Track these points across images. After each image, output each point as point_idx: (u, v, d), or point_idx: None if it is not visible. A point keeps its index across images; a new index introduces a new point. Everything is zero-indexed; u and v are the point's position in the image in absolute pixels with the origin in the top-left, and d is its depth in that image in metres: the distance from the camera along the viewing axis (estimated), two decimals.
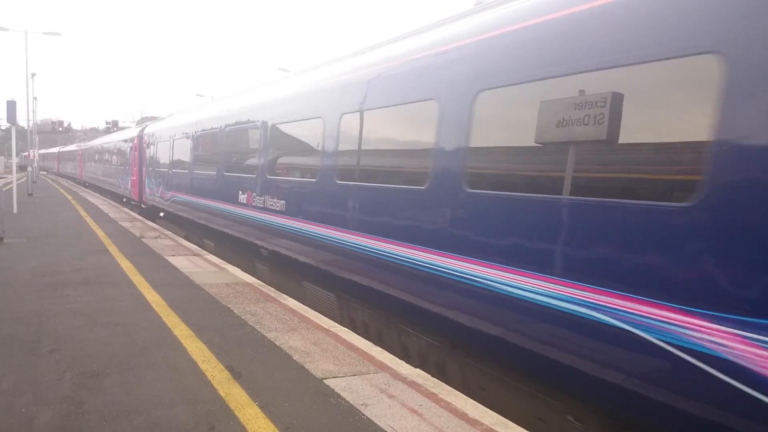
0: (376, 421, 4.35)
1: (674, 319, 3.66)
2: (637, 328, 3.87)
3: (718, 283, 3.48)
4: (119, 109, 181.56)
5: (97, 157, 38.15)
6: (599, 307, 4.12)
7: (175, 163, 16.80)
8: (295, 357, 5.75)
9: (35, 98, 45.96)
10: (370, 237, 6.92)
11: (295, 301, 8.28)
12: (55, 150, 77.49)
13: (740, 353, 3.33)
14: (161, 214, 19.33)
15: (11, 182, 24.59)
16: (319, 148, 8.25)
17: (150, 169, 20.42)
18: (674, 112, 3.98)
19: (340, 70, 8.37)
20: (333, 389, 4.94)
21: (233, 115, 12.21)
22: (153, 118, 26.81)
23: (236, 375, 5.21)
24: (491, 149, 5.50)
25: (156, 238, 14.76)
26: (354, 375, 5.30)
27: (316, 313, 7.73)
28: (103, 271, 9.94)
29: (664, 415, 3.81)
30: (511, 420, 4.59)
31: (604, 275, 4.12)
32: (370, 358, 5.80)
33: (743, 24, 3.45)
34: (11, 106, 19.02)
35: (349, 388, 4.97)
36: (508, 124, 5.35)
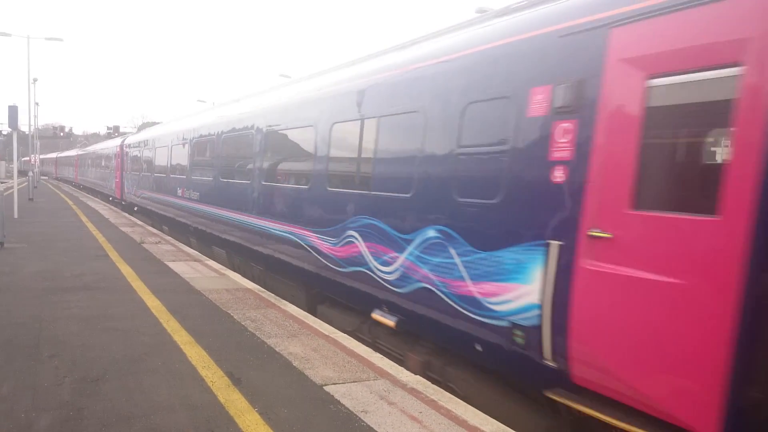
0: (375, 428, 4.34)
1: (306, 233, 8.48)
2: (300, 239, 8.69)
3: (319, 222, 8.22)
4: (121, 114, 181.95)
5: (89, 162, 43.67)
6: (296, 234, 8.87)
7: (142, 168, 22.13)
8: (295, 363, 5.75)
9: (37, 103, 46.14)
10: (235, 212, 11.71)
11: (295, 308, 8.28)
12: (53, 155, 79.84)
13: (316, 241, 8.13)
14: (135, 208, 24.39)
15: (12, 187, 24.62)
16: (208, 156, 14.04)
17: (127, 173, 25.82)
18: None
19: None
20: (333, 396, 4.94)
21: (169, 134, 18.30)
22: (154, 124, 27.16)
23: (236, 381, 5.20)
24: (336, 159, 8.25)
25: (156, 243, 14.76)
26: (354, 381, 5.30)
27: (316, 319, 7.73)
28: (104, 276, 9.94)
29: (313, 276, 8.49)
30: (510, 428, 4.58)
31: (293, 221, 8.99)
32: (370, 365, 5.79)
33: None
34: (13, 111, 19.04)
35: (349, 395, 4.96)
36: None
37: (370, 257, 6.94)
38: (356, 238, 7.22)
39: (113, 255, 12.41)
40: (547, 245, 4.63)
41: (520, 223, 4.94)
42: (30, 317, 7.12)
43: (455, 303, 5.58)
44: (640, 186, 4.12)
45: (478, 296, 5.30)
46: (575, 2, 4.87)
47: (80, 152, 52.07)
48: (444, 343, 6.25)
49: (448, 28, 6.84)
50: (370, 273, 6.93)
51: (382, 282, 6.70)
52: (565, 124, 4.63)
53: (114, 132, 56.50)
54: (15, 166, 23.73)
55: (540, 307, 4.66)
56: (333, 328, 7.23)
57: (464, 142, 5.63)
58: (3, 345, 6.02)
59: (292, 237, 8.92)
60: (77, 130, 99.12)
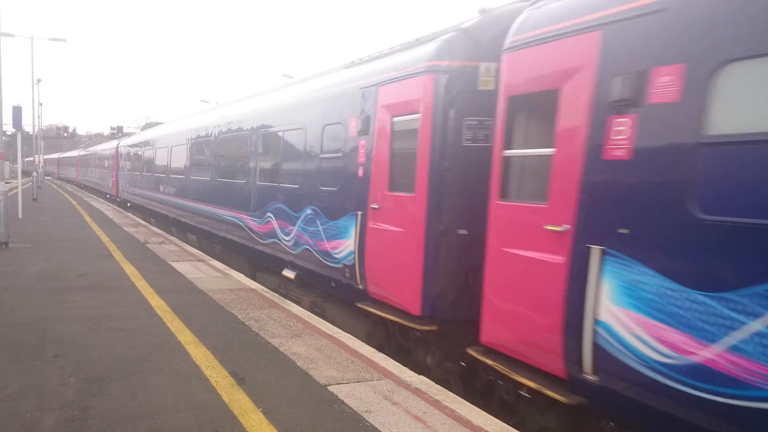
0: (379, 427, 4.35)
1: (245, 216, 11.23)
2: (242, 222, 11.43)
3: (252, 208, 11.13)
4: (124, 114, 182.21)
5: (88, 163, 47.78)
6: (239, 218, 11.58)
7: (134, 168, 25.30)
8: (299, 363, 5.76)
9: (41, 104, 46.23)
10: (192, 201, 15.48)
11: (299, 308, 8.30)
12: (55, 156, 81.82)
13: (250, 222, 11.04)
14: (128, 204, 27.35)
15: (16, 187, 24.68)
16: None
17: (121, 172, 29.05)
18: None
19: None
20: (337, 396, 4.95)
21: (153, 139, 21.76)
22: (157, 124, 27.47)
23: (240, 381, 5.21)
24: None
25: (160, 243, 14.79)
26: (358, 381, 5.30)
27: (320, 319, 7.74)
28: (108, 276, 9.97)
29: (250, 250, 11.30)
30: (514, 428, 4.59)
31: (238, 208, 11.74)
32: (374, 365, 5.80)
33: None
34: (17, 111, 19.10)
35: (353, 395, 4.97)
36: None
37: (279, 231, 9.86)
38: (272, 218, 10.20)
39: (117, 255, 12.44)
40: (356, 214, 7.55)
41: (346, 201, 7.86)
42: (35, 317, 7.15)
43: (320, 256, 8.45)
44: (391, 177, 7.02)
45: (330, 250, 8.20)
46: (367, 69, 7.94)
47: (81, 153, 55.37)
48: (319, 285, 9.07)
49: (319, 72, 10.28)
50: (279, 242, 9.85)
51: (286, 248, 9.60)
52: (362, 141, 7.60)
53: (117, 132, 56.56)
54: (19, 166, 23.80)
55: (353, 252, 7.58)
56: (337, 329, 7.25)
57: (324, 151, 8.58)
58: (8, 345, 6.04)
59: (237, 221, 11.85)
60: (81, 131, 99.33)
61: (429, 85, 6.45)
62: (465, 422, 4.49)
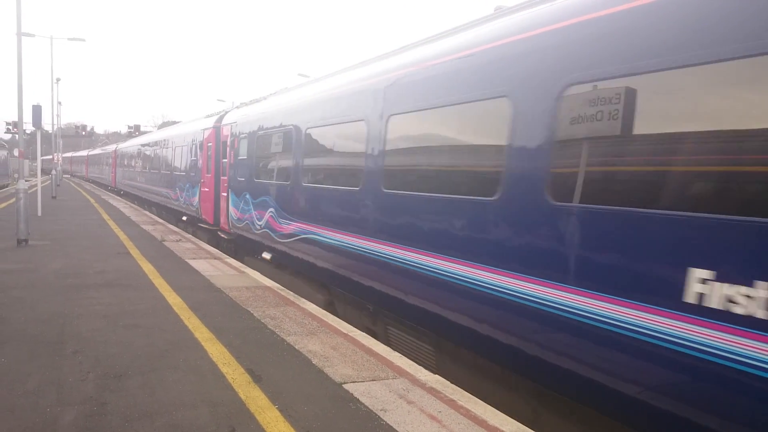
0: (395, 426, 4.35)
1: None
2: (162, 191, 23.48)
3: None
4: (141, 112, 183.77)
5: (94, 161, 61.35)
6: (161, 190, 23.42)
7: (125, 165, 37.51)
8: (314, 361, 5.78)
9: (60, 103, 46.76)
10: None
11: (314, 306, 8.32)
12: (68, 155, 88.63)
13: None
14: (121, 192, 40.01)
15: (36, 185, 25.01)
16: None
17: (117, 168, 42.83)
18: None
19: None
20: (352, 394, 4.95)
21: (134, 145, 35.11)
22: (174, 123, 28.01)
23: (256, 378, 5.24)
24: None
25: (177, 241, 14.91)
26: (373, 380, 5.31)
27: (335, 317, 7.75)
28: (125, 273, 10.07)
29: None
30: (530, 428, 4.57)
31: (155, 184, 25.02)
32: (389, 364, 5.80)
33: None
34: (37, 110, 19.33)
35: (368, 393, 4.98)
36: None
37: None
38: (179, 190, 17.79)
39: (135, 252, 12.56)
40: (199, 183, 17.42)
41: (195, 179, 18.00)
42: (54, 313, 7.24)
43: (189, 205, 18.36)
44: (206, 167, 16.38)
45: (191, 202, 18.27)
46: (194, 126, 18.34)
47: (89, 153, 69.47)
48: (189, 219, 18.34)
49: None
50: (172, 199, 18.83)
51: (174, 203, 18.04)
52: (201, 152, 17.15)
53: (135, 131, 57.10)
54: (39, 164, 24.11)
55: (198, 202, 17.35)
56: (351, 327, 7.26)
57: (182, 158, 19.20)
58: (28, 341, 6.13)
59: (163, 193, 22.04)
60: (99, 129, 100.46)
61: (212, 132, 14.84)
62: (480, 422, 4.47)
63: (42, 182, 27.24)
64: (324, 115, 8.84)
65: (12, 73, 15.95)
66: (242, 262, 12.57)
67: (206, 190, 16.03)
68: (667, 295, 3.67)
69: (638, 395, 3.85)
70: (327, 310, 8.33)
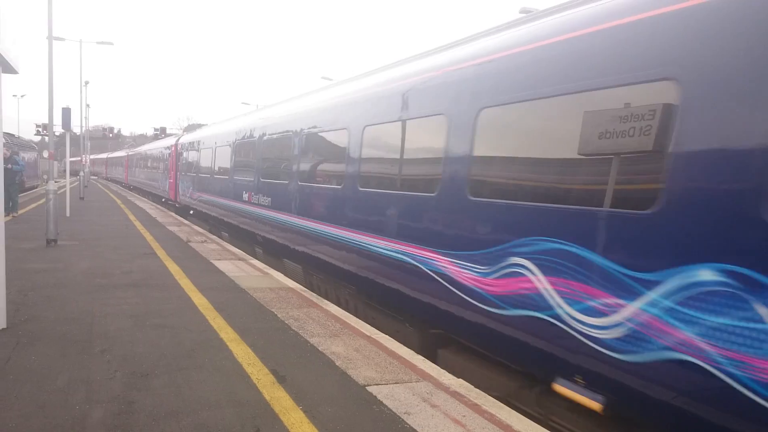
0: (419, 430, 4.33)
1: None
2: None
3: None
4: (167, 115, 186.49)
5: (106, 163, 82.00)
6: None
7: (123, 165, 58.03)
8: (338, 363, 5.79)
9: (88, 105, 47.59)
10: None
11: (337, 307, 8.34)
12: (103, 155, 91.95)
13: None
14: (109, 182, 56.28)
15: (65, 186, 25.48)
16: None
17: (112, 167, 71.19)
18: None
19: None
20: (375, 396, 4.95)
21: (122, 155, 60.90)
22: (199, 125, 28.45)
23: (280, 379, 5.27)
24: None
25: (202, 242, 15.07)
26: (396, 383, 5.30)
27: (357, 319, 7.77)
28: (152, 273, 10.20)
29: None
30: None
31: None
32: (413, 367, 5.79)
33: None
34: (66, 113, 19.65)
35: (392, 396, 4.97)
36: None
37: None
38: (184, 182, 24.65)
39: (161, 253, 12.72)
40: (168, 174, 29.12)
41: (166, 172, 29.98)
42: (82, 312, 7.37)
43: (165, 190, 29.83)
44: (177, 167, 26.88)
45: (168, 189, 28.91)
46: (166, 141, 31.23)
47: (102, 156, 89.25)
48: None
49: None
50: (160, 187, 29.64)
51: (160, 189, 29.75)
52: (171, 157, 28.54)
53: (161, 133, 57.86)
54: (68, 166, 24.57)
55: (167, 187, 28.91)
56: (374, 329, 7.26)
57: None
58: (58, 339, 6.24)
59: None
60: (125, 131, 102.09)
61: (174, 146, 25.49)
62: (505, 427, 4.44)
63: (70, 183, 27.74)
64: (211, 141, 19.47)
65: (43, 77, 16.34)
66: (185, 218, 23.59)
67: (171, 180, 28.29)
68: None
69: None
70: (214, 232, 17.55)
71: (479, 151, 5.99)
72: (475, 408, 4.78)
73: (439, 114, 6.69)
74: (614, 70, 4.51)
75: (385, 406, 4.76)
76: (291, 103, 12.78)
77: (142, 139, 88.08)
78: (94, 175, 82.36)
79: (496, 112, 5.84)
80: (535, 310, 5.02)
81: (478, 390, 5.28)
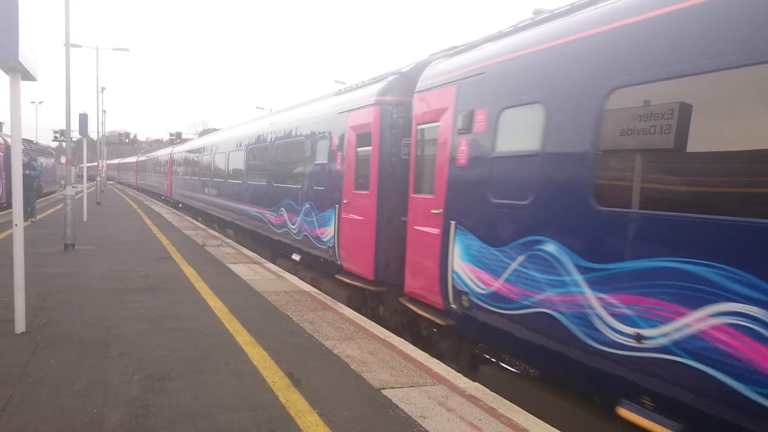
0: None
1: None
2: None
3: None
4: (183, 120, 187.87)
5: (117, 168, 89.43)
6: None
7: (127, 169, 74.78)
8: (353, 366, 5.79)
9: (104, 111, 48.09)
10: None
11: (351, 311, 8.34)
12: (115, 161, 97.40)
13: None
14: (113, 183, 69.53)
15: (82, 191, 25.76)
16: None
17: (122, 172, 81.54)
18: None
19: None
20: (391, 400, 4.94)
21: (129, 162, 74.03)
22: (214, 130, 28.85)
23: (296, 382, 5.28)
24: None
25: (218, 246, 15.16)
26: (411, 386, 5.29)
27: (372, 322, 7.76)
28: (168, 277, 10.28)
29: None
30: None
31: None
32: (428, 370, 5.77)
33: None
34: (83, 119, 19.87)
35: (407, 399, 4.96)
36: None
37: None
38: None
39: (177, 257, 12.82)
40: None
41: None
42: (100, 316, 7.43)
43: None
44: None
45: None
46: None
47: (114, 162, 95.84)
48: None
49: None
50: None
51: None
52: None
53: (176, 138, 58.29)
54: (85, 171, 24.83)
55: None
56: (389, 332, 7.25)
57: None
58: (76, 343, 6.30)
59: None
60: (141, 136, 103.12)
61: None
62: (522, 431, 4.41)
63: (87, 188, 28.04)
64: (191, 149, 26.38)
65: (60, 83, 16.56)
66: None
67: (168, 182, 34.86)
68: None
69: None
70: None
71: None
72: (491, 412, 4.76)
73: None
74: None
75: (401, 409, 4.75)
76: (218, 134, 22.36)
77: (158, 144, 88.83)
78: (109, 179, 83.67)
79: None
80: None
81: (493, 393, 5.25)
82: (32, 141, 42.65)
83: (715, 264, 3.81)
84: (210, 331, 6.86)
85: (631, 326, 4.34)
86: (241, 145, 17.41)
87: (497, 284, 5.91)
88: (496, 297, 5.93)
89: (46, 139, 59.10)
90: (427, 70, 7.88)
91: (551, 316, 5.13)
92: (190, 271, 10.92)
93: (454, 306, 6.76)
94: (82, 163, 26.15)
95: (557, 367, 5.45)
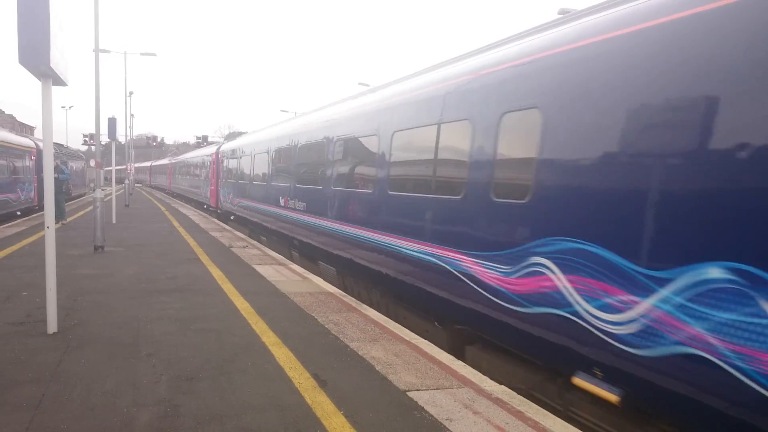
0: None
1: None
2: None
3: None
4: (209, 123, 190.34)
5: (136, 171, 78.54)
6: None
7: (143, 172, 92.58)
8: (378, 367, 5.78)
9: (132, 115, 48.89)
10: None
11: (376, 312, 8.34)
12: (147, 164, 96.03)
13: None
14: (129, 183, 50.58)
15: (110, 194, 26.21)
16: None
17: (134, 174, 62.24)
18: None
19: None
20: (416, 402, 4.93)
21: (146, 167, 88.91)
22: (240, 133, 28.90)
23: (321, 383, 5.29)
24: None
25: (244, 247, 15.29)
26: (437, 389, 5.27)
27: (396, 324, 7.75)
28: (195, 278, 10.39)
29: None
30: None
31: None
32: (453, 373, 5.74)
33: None
34: (112, 123, 20.24)
35: (433, 402, 4.94)
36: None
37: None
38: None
39: (204, 258, 12.96)
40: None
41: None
42: (129, 317, 7.55)
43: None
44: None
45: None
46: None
47: (146, 164, 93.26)
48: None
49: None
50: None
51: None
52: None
53: (203, 141, 59.12)
54: (113, 174, 25.27)
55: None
56: (414, 334, 7.23)
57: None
58: (106, 343, 6.40)
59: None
60: (168, 140, 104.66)
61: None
62: None
63: (115, 191, 28.54)
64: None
65: (89, 88, 16.93)
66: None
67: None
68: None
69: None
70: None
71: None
72: (519, 415, 4.71)
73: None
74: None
75: (427, 412, 4.73)
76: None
77: (185, 147, 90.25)
78: (138, 182, 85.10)
79: None
80: None
81: (521, 397, 5.20)
82: (63, 144, 43.53)
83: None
84: (237, 332, 6.92)
85: None
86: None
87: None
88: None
89: (76, 143, 60.34)
90: (222, 146, 22.64)
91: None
92: (216, 273, 11.03)
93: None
94: (109, 167, 26.72)
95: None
